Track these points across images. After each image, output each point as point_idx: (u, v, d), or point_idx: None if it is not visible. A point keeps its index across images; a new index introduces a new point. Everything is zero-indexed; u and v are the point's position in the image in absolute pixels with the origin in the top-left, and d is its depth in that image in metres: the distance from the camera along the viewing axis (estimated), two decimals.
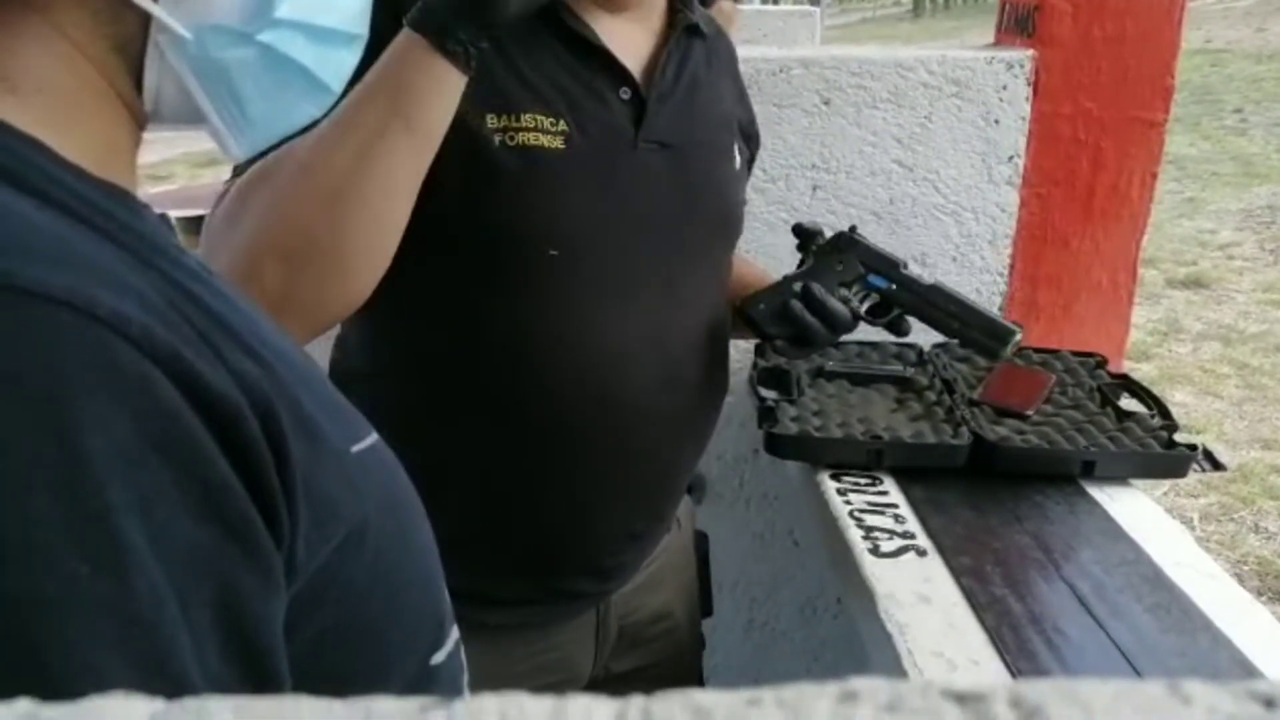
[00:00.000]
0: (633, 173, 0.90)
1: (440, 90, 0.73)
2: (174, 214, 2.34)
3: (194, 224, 2.49)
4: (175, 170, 7.51)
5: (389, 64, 0.73)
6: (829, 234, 1.08)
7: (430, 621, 0.54)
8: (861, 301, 1.05)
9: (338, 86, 0.53)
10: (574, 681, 1.01)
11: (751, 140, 1.11)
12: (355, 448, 0.48)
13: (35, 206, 0.39)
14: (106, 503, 0.34)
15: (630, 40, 0.92)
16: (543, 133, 0.84)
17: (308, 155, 0.72)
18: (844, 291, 1.04)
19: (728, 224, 1.02)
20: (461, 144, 0.78)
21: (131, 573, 0.35)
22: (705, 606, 1.19)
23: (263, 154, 0.76)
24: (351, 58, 0.53)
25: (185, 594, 0.36)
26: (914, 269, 1.06)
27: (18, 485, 0.33)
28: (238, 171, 0.79)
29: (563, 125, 0.85)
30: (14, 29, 0.43)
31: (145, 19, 0.45)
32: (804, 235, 1.08)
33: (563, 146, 0.84)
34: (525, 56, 0.85)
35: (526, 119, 0.83)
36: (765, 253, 1.52)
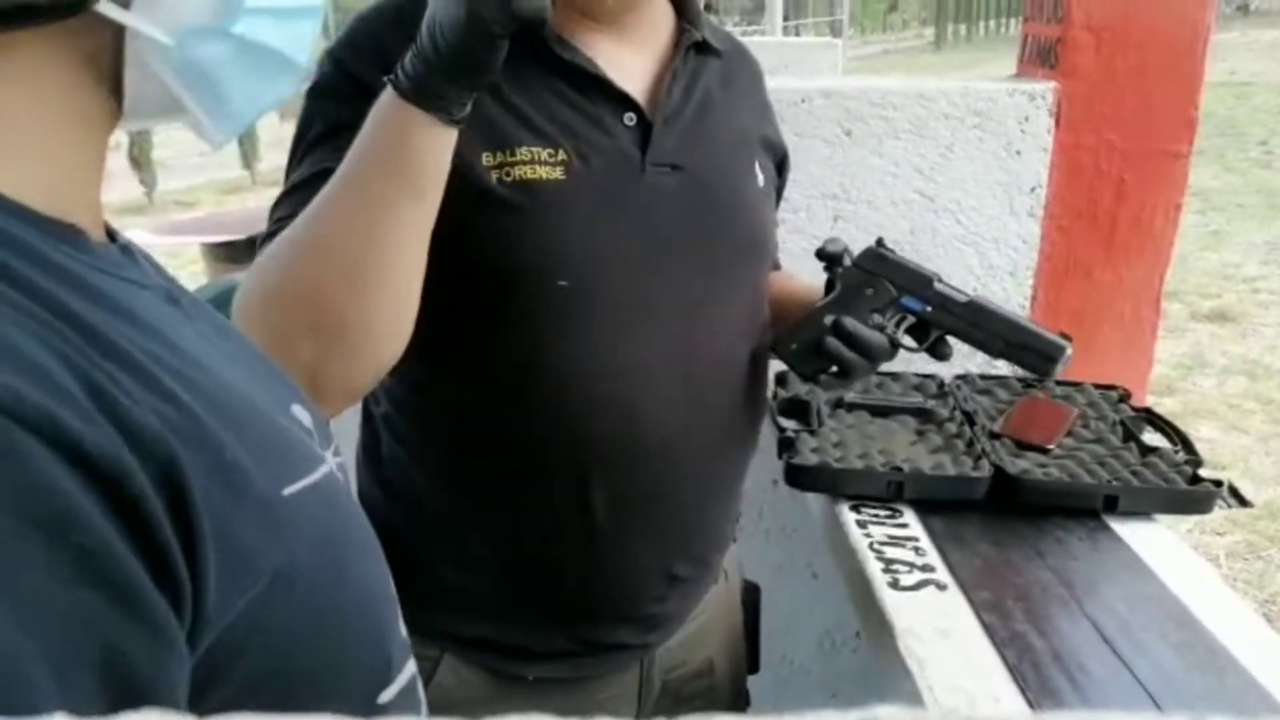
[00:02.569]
0: (643, 198, 0.88)
1: (442, 154, 0.74)
2: (199, 240, 2.36)
3: (221, 250, 2.51)
4: (201, 197, 7.61)
5: (387, 134, 0.73)
6: (855, 252, 1.03)
7: (376, 659, 0.53)
8: (898, 326, 0.99)
9: (303, 59, 0.54)
10: None
11: (779, 159, 1.08)
12: (290, 489, 0.47)
13: None
14: None
15: (632, 63, 0.91)
16: (540, 165, 0.83)
17: (322, 232, 0.74)
18: (878, 318, 0.99)
19: (753, 245, 0.99)
20: (461, 185, 0.78)
21: None
22: (752, 662, 1.15)
23: (277, 222, 0.79)
24: (311, 27, 0.54)
25: (63, 659, 0.36)
26: (948, 282, 1.01)
27: None
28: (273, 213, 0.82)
29: (562, 155, 0.84)
30: None
31: (119, 28, 0.45)
32: (829, 258, 1.03)
33: (563, 177, 0.84)
34: (519, 90, 0.85)
35: (522, 153, 0.83)
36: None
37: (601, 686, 0.97)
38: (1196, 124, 1.47)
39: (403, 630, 0.57)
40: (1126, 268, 1.53)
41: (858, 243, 1.52)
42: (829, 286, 1.04)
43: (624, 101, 0.88)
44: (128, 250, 0.51)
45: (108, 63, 0.46)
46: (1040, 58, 1.54)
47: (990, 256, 1.53)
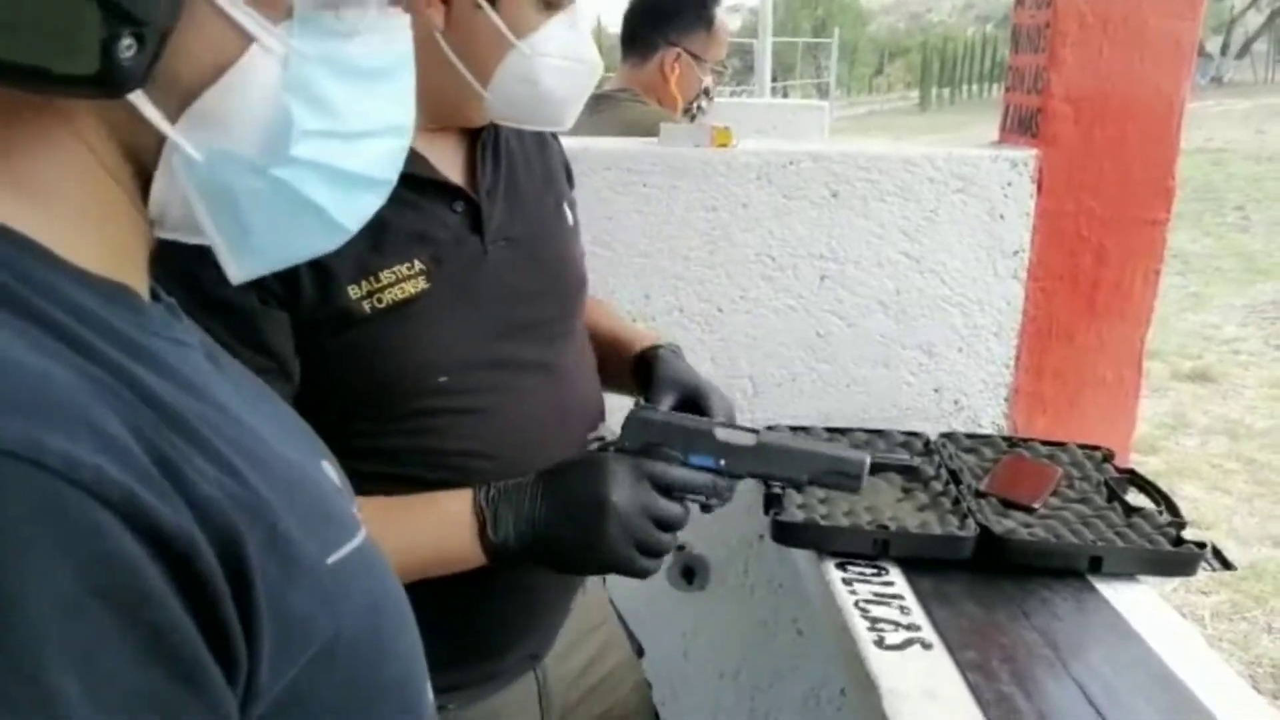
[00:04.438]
0: (490, 277, 0.93)
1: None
2: None
3: None
4: None
5: (443, 555, 0.85)
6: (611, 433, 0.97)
7: None
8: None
9: (355, 227, 0.53)
10: None
11: (567, 174, 1.12)
12: (333, 557, 0.48)
13: (14, 330, 0.39)
14: (41, 659, 0.34)
15: (445, 151, 0.95)
16: (404, 281, 0.87)
17: None
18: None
19: (580, 289, 1.07)
20: (333, 315, 0.84)
21: None
22: (637, 648, 1.21)
23: None
24: (375, 200, 0.53)
25: None
26: (729, 424, 0.93)
27: None
28: None
29: (419, 265, 0.88)
30: (34, 133, 0.44)
31: (163, 136, 0.45)
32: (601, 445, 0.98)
33: (427, 285, 0.88)
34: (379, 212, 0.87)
35: (386, 276, 0.86)
36: (772, 338, 1.54)
37: (503, 699, 1.01)
38: (1174, 193, 1.51)
39: (430, 695, 0.57)
40: (1108, 330, 1.56)
41: (844, 301, 1.55)
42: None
43: (453, 192, 0.92)
44: (173, 309, 0.51)
45: (148, 164, 0.46)
46: (1021, 126, 1.58)
47: (975, 317, 1.55)
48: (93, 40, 0.40)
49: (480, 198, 0.94)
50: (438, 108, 0.90)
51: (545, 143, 1.08)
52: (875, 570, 1.15)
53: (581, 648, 1.10)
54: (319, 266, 0.82)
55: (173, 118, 0.45)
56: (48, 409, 0.37)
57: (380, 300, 0.86)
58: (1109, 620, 1.07)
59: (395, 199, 0.84)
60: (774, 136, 1.63)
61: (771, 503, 1.21)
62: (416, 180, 0.88)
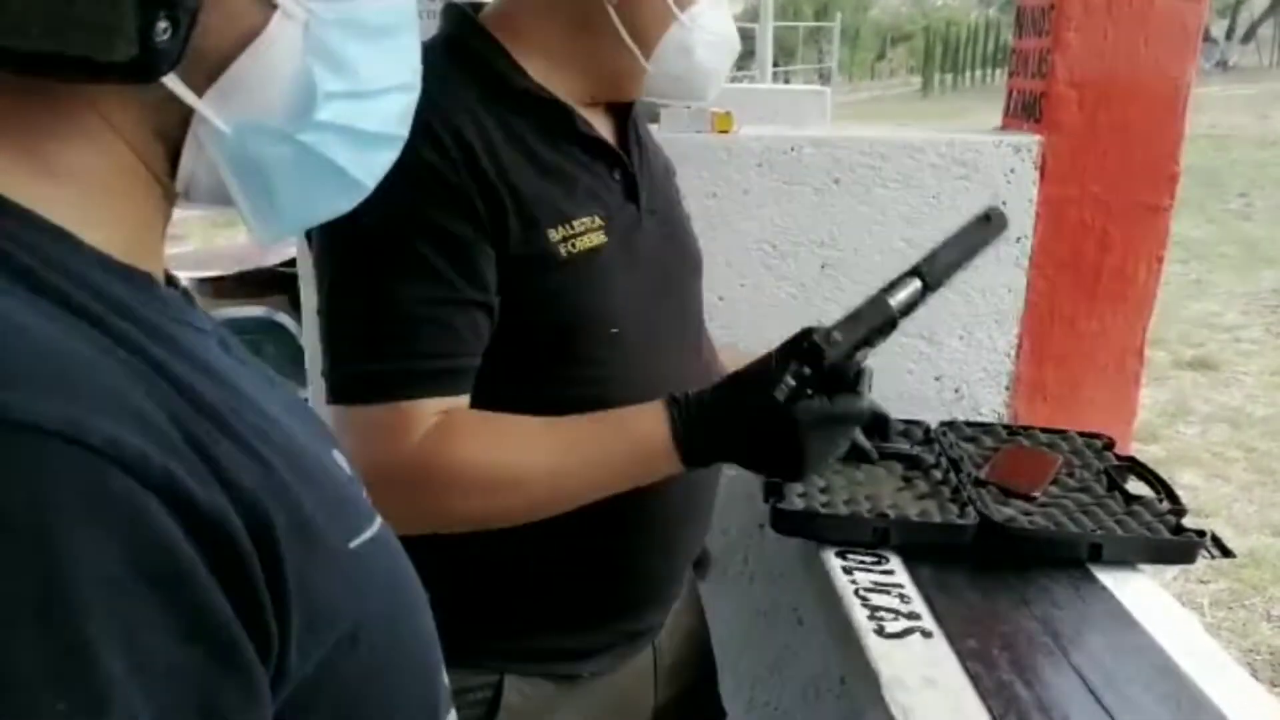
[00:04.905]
0: (644, 245, 0.98)
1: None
2: (190, 275, 2.37)
3: (208, 285, 2.51)
4: (191, 230, 7.62)
5: (639, 465, 0.88)
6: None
7: (425, 709, 0.54)
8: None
9: (372, 184, 0.53)
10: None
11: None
12: (355, 542, 0.48)
13: (48, 315, 0.40)
14: (87, 636, 0.35)
15: (604, 122, 1.00)
16: (591, 233, 0.91)
17: (532, 508, 0.88)
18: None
19: (699, 264, 1.11)
20: (531, 257, 0.87)
21: (109, 706, 0.35)
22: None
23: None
24: (391, 157, 0.54)
25: (165, 713, 0.37)
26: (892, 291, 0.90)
27: (1, 621, 0.34)
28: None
29: (598, 220, 0.92)
30: (61, 116, 0.44)
31: (189, 110, 0.46)
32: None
33: (605, 239, 0.92)
34: (559, 165, 0.92)
35: (578, 225, 0.91)
36: (773, 326, 1.53)
37: (628, 671, 1.06)
38: (1178, 179, 1.50)
39: (445, 678, 0.58)
40: (1110, 317, 1.55)
41: (845, 289, 1.54)
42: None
43: (616, 160, 0.97)
44: (188, 295, 0.52)
45: (175, 140, 0.47)
46: (1025, 111, 1.57)
47: (977, 304, 1.55)
48: (131, 26, 0.41)
49: (634, 171, 0.98)
50: (599, 81, 0.95)
51: (650, 135, 1.13)
52: (875, 559, 1.15)
53: (677, 622, 1.14)
54: (523, 208, 0.86)
55: (200, 92, 0.45)
56: (89, 391, 0.38)
57: (574, 246, 0.90)
58: (1109, 608, 1.07)
59: (575, 158, 0.93)
60: (775, 122, 1.62)
61: (771, 491, 1.21)
62: (592, 142, 0.94)
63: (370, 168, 0.53)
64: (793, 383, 0.85)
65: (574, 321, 0.91)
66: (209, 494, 0.39)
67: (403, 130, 0.54)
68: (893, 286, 0.91)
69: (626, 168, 0.97)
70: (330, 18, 0.47)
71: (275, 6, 0.46)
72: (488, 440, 0.87)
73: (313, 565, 0.43)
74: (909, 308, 0.90)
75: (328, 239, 0.88)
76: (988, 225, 0.95)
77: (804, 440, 0.85)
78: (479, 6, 0.97)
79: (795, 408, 0.84)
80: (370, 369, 0.85)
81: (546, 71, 0.92)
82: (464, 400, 0.88)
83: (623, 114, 1.02)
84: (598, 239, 0.91)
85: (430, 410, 0.85)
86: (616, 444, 0.88)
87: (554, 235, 0.89)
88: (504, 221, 0.86)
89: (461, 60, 0.90)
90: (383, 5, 0.50)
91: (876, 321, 0.89)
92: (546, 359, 0.92)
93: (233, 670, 0.39)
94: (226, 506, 0.39)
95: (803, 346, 0.85)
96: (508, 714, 0.97)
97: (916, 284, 0.92)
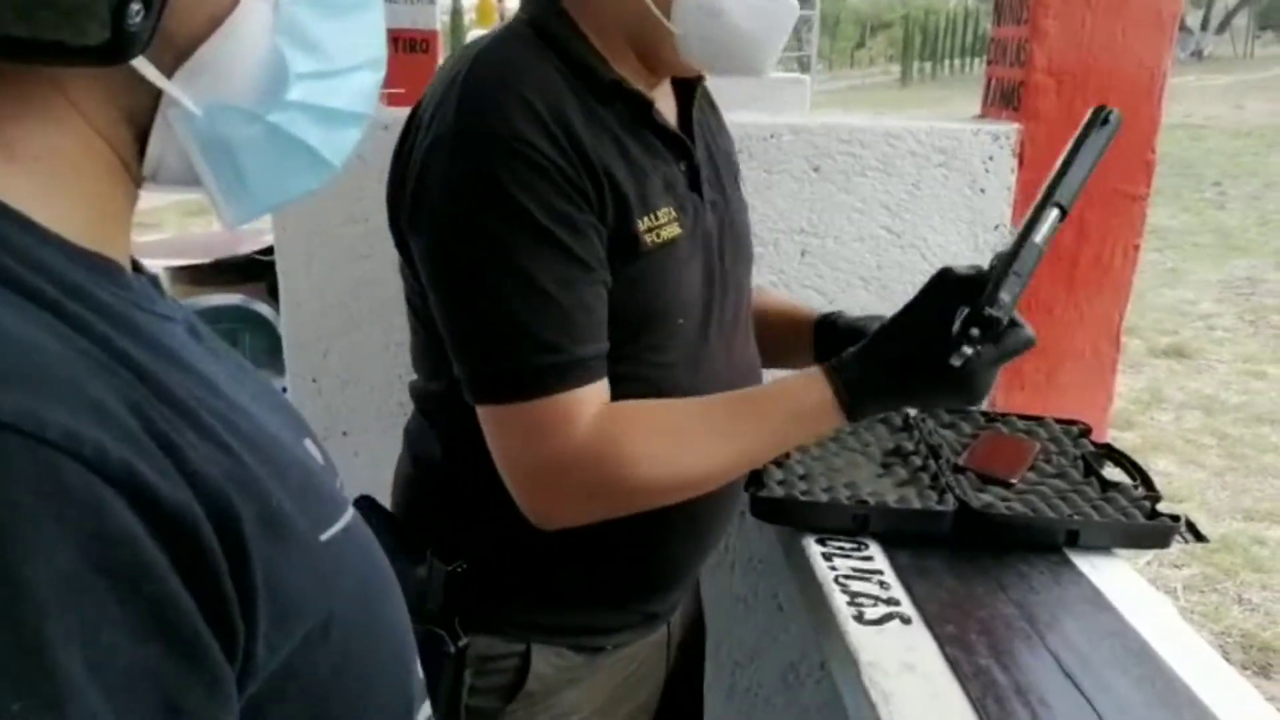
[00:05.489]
0: (707, 236, 0.99)
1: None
2: (164, 264, 2.34)
3: (183, 273, 2.47)
4: (165, 219, 7.53)
5: (805, 434, 0.96)
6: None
7: (399, 701, 0.54)
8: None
9: (339, 162, 0.53)
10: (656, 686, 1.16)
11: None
12: (326, 534, 0.47)
13: (5, 303, 0.39)
14: (43, 636, 0.34)
15: (669, 106, 1.00)
16: (671, 224, 0.92)
17: (707, 478, 0.92)
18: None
19: (752, 256, 1.13)
20: (624, 249, 0.89)
21: (66, 706, 0.34)
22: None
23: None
24: (357, 134, 0.53)
25: (125, 713, 0.36)
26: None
27: None
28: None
29: (674, 212, 0.93)
30: (24, 98, 0.43)
31: (158, 92, 0.45)
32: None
33: (680, 231, 0.93)
34: (640, 155, 0.92)
35: (661, 215, 0.92)
36: None
37: (646, 644, 1.10)
38: (1154, 167, 1.51)
39: (419, 670, 0.57)
40: (1087, 305, 1.56)
41: (825, 277, 1.54)
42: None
43: (685, 152, 0.97)
44: (155, 282, 0.51)
45: (143, 123, 0.46)
46: (1004, 99, 1.57)
47: None
48: (104, 9, 0.40)
49: (698, 162, 0.98)
50: (639, 51, 0.94)
51: (720, 117, 1.13)
52: (854, 545, 1.15)
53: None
54: (618, 196, 0.87)
55: (169, 73, 0.45)
56: (46, 382, 0.37)
57: (658, 236, 0.91)
58: (1084, 593, 1.08)
59: (653, 149, 0.93)
60: (755, 110, 1.62)
61: (751, 479, 1.21)
62: (666, 133, 0.95)
63: (339, 146, 0.52)
64: (968, 351, 0.87)
65: (648, 309, 0.92)
66: (171, 487, 0.38)
67: (370, 108, 0.53)
68: (1033, 223, 0.91)
69: (692, 159, 0.97)
70: None
71: None
72: (658, 421, 0.90)
73: (282, 558, 0.43)
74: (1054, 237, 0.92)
75: (447, 236, 0.85)
76: (1105, 128, 0.92)
77: (978, 385, 0.90)
78: None
79: (969, 363, 0.87)
80: (526, 363, 0.84)
81: (619, 55, 0.92)
82: (606, 384, 0.89)
83: (686, 98, 1.01)
84: (675, 230, 0.92)
85: (590, 398, 0.86)
86: (782, 421, 0.92)
87: (642, 225, 0.90)
88: (605, 208, 0.87)
89: (551, 47, 0.90)
90: None
91: (1033, 265, 0.91)
92: (615, 343, 0.91)
93: (196, 667, 0.38)
94: (190, 499, 0.39)
95: (980, 317, 0.87)
96: (537, 680, 1.00)
97: (1055, 214, 0.92)
